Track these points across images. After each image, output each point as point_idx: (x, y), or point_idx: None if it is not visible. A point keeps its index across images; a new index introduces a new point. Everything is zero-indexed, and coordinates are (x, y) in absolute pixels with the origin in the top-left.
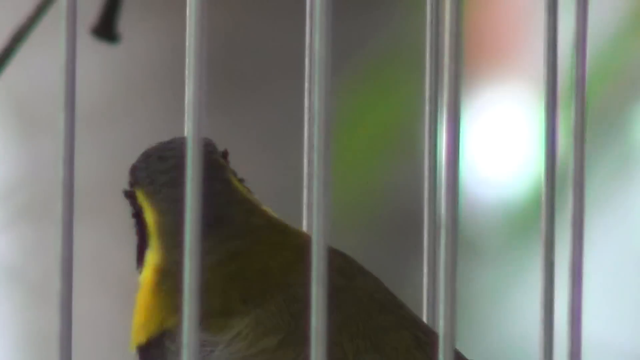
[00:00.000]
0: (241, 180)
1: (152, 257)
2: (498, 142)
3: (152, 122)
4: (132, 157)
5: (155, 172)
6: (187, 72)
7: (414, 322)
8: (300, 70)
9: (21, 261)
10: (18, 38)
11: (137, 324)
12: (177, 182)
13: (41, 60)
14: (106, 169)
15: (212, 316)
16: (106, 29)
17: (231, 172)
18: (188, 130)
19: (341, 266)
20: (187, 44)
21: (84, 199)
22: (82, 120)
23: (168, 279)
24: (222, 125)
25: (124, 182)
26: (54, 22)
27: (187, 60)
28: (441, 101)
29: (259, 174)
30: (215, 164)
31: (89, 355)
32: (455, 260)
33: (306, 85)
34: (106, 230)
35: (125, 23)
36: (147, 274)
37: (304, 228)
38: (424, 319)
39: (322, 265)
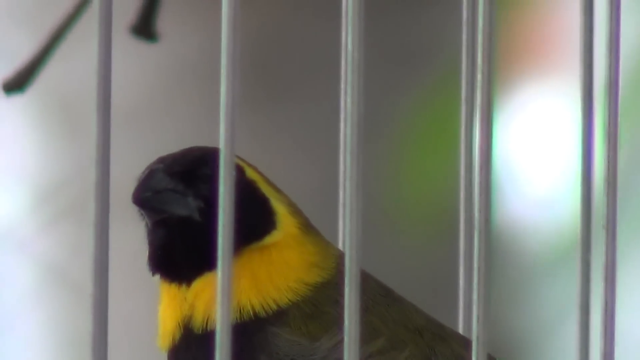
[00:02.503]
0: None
1: (285, 219)
2: (539, 143)
3: (191, 121)
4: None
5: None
6: (221, 72)
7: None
8: (337, 71)
9: (64, 260)
10: (56, 37)
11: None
12: None
13: (85, 60)
14: (141, 165)
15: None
16: (145, 28)
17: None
18: (222, 129)
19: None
20: (221, 44)
21: (123, 199)
22: (121, 120)
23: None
24: (259, 125)
25: None
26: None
27: (221, 60)
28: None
29: (295, 173)
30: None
31: (126, 356)
32: (489, 262)
33: (342, 85)
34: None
35: (164, 22)
36: (288, 233)
37: (340, 228)
38: (460, 322)
39: (355, 266)
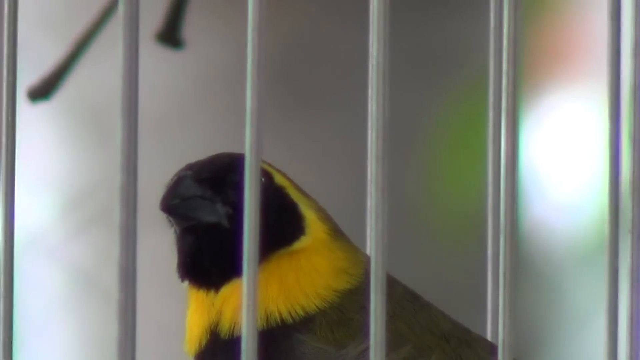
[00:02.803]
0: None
1: (314, 225)
2: (565, 148)
3: (218, 127)
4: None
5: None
6: (247, 78)
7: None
8: (365, 77)
9: (93, 267)
10: (82, 44)
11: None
12: None
13: (113, 66)
14: (172, 174)
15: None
16: (171, 36)
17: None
18: (247, 135)
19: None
20: (247, 50)
21: (151, 206)
22: (148, 127)
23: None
24: (287, 131)
25: None
26: None
27: (247, 66)
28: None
29: (323, 178)
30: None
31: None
32: (515, 266)
33: (369, 91)
34: (165, 233)
35: (190, 28)
36: (316, 238)
37: (367, 233)
38: (488, 327)
39: (381, 272)
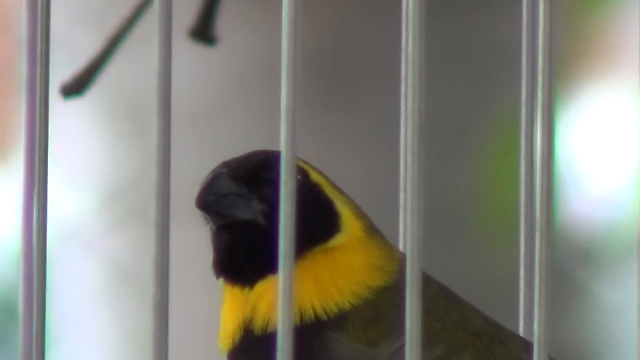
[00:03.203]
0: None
1: (350, 222)
2: (601, 143)
3: (253, 123)
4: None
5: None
6: (282, 73)
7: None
8: (399, 72)
9: (131, 260)
10: (116, 40)
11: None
12: None
13: (149, 62)
14: (206, 171)
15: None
16: (204, 32)
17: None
18: (282, 131)
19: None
20: (282, 45)
21: (187, 201)
22: (183, 123)
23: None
24: (321, 127)
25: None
26: None
27: (282, 61)
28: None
29: (357, 175)
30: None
31: (187, 356)
32: (550, 263)
33: (402, 87)
34: (200, 229)
35: (224, 24)
36: (351, 235)
37: (400, 230)
38: (521, 323)
39: (417, 269)
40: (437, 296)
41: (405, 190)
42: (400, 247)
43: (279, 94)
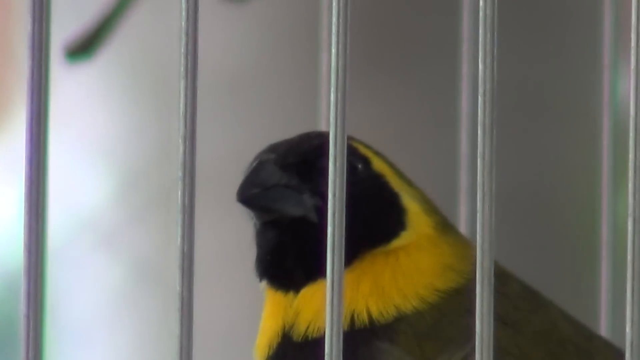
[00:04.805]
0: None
1: (418, 219)
2: None
3: (290, 92)
4: (265, 129)
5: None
6: (331, 35)
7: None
8: (451, 53)
9: (155, 255)
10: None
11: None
12: None
13: (172, 17)
14: (237, 144)
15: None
16: None
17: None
18: (332, 101)
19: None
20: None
21: (213, 185)
22: (210, 91)
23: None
24: (372, 101)
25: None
26: None
27: (332, 17)
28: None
29: (413, 156)
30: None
31: (212, 356)
32: None
33: (464, 47)
34: (234, 220)
35: None
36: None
37: (462, 213)
38: (602, 323)
39: (488, 261)
40: (519, 299)
41: (465, 170)
42: (462, 230)
43: (319, 57)
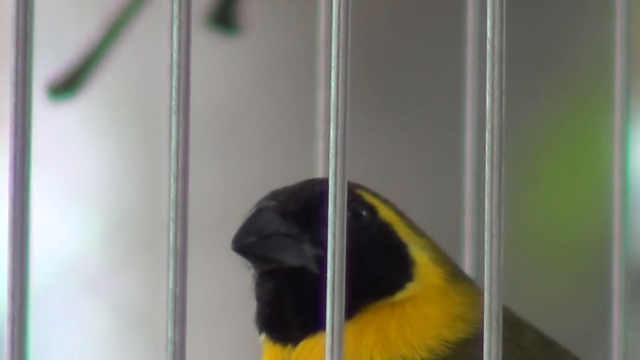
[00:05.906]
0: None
1: (427, 270)
2: None
3: (281, 129)
4: (260, 168)
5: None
6: (332, 69)
7: None
8: (455, 90)
9: (142, 301)
10: (115, 28)
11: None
12: None
13: (159, 53)
14: (231, 183)
15: None
16: (224, 17)
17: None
18: (332, 137)
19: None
20: (332, 35)
21: (204, 226)
22: (200, 127)
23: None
24: (372, 140)
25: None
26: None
27: (332, 52)
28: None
29: (413, 193)
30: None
31: None
32: None
33: (468, 84)
34: (226, 266)
35: (248, 11)
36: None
37: (467, 260)
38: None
39: (497, 306)
40: (533, 348)
41: (464, 210)
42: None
43: (315, 93)
